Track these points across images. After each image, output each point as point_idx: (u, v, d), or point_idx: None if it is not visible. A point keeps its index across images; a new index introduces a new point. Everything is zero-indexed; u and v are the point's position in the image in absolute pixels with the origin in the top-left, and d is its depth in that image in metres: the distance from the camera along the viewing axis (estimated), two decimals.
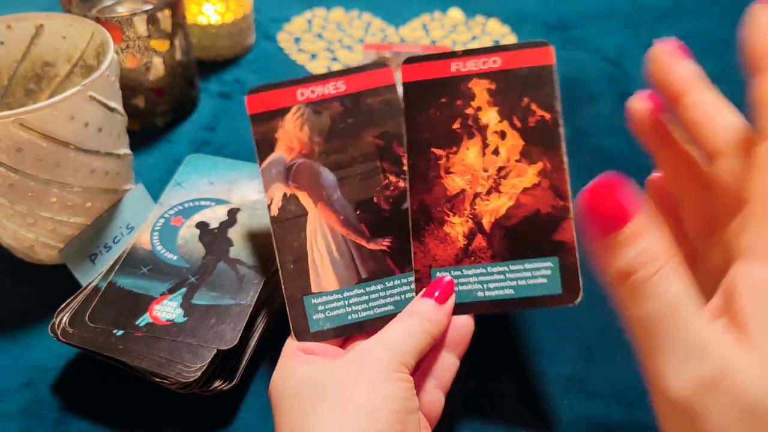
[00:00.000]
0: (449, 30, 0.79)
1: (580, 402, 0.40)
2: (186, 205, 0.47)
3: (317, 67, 0.72)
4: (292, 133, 0.39)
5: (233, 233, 0.45)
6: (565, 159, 0.38)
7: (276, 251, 0.38)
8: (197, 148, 0.60)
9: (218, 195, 0.48)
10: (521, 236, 0.38)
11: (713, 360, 0.21)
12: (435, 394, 0.35)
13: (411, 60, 0.40)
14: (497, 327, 0.44)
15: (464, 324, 0.36)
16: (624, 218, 0.23)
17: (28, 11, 0.47)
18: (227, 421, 0.39)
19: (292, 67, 0.72)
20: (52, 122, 0.39)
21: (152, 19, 0.56)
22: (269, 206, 0.39)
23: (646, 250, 0.23)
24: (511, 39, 0.77)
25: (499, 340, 0.43)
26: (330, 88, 0.40)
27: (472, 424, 0.39)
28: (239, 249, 0.44)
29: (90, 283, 0.42)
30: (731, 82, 0.80)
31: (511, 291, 0.37)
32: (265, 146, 0.40)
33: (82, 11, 0.57)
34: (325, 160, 0.39)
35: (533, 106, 0.39)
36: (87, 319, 0.39)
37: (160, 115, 0.62)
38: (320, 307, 0.37)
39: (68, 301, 0.41)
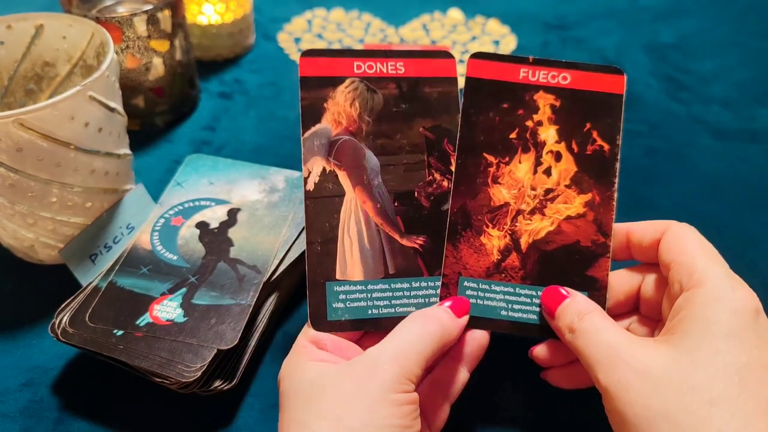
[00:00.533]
0: (449, 30, 0.79)
1: (580, 400, 0.40)
2: (186, 205, 0.47)
3: None
4: (342, 107, 0.38)
5: (233, 233, 0.45)
6: (615, 195, 0.37)
7: (305, 229, 0.36)
8: (197, 148, 0.60)
9: (218, 195, 0.48)
10: (556, 264, 0.37)
11: (623, 353, 0.30)
12: (443, 408, 0.35)
13: (479, 55, 0.39)
14: None
15: (480, 338, 0.36)
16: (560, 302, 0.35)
17: (28, 11, 0.47)
18: (227, 421, 0.39)
19: (292, 67, 0.72)
20: (52, 122, 0.39)
21: (152, 20, 0.56)
22: (306, 179, 0.37)
23: (577, 311, 0.33)
24: (510, 39, 0.77)
25: (499, 338, 0.43)
26: (388, 68, 0.38)
27: (471, 424, 0.39)
28: (239, 249, 0.44)
29: (90, 283, 0.42)
30: (731, 81, 0.80)
31: (535, 317, 0.36)
32: (311, 114, 0.38)
33: (82, 11, 0.57)
34: (371, 142, 0.38)
35: (594, 134, 0.38)
36: (87, 319, 0.39)
37: (160, 115, 0.62)
38: (341, 296, 0.36)
39: (68, 301, 0.41)
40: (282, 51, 0.75)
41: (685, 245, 0.34)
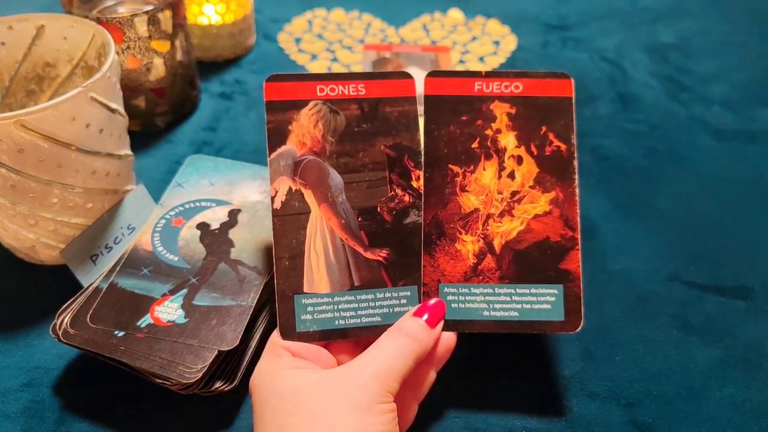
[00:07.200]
0: (449, 30, 0.79)
1: (579, 401, 0.40)
2: (187, 206, 0.47)
3: (318, 68, 0.72)
4: (306, 128, 0.39)
5: (234, 234, 0.45)
6: (577, 191, 0.39)
7: (273, 245, 0.38)
8: (198, 148, 0.60)
9: (219, 196, 0.48)
10: (530, 261, 0.38)
11: None
12: (411, 406, 0.36)
13: (435, 74, 0.40)
14: None
15: (448, 341, 0.37)
16: None
17: (29, 12, 0.47)
18: (228, 422, 0.39)
19: (292, 67, 0.72)
20: (53, 123, 0.39)
21: (153, 20, 0.56)
22: (273, 198, 0.38)
23: None
24: (511, 39, 0.77)
25: (499, 339, 0.43)
26: (350, 90, 0.40)
27: (472, 423, 0.39)
28: (240, 250, 0.44)
29: (91, 284, 0.42)
30: (731, 82, 0.80)
31: (516, 313, 0.38)
32: (276, 136, 0.39)
33: (83, 12, 0.57)
34: (335, 161, 0.39)
35: (551, 136, 0.40)
36: (88, 319, 0.39)
37: (161, 116, 0.62)
38: (309, 308, 0.37)
39: (69, 301, 0.41)
40: (282, 51, 0.75)
41: None
